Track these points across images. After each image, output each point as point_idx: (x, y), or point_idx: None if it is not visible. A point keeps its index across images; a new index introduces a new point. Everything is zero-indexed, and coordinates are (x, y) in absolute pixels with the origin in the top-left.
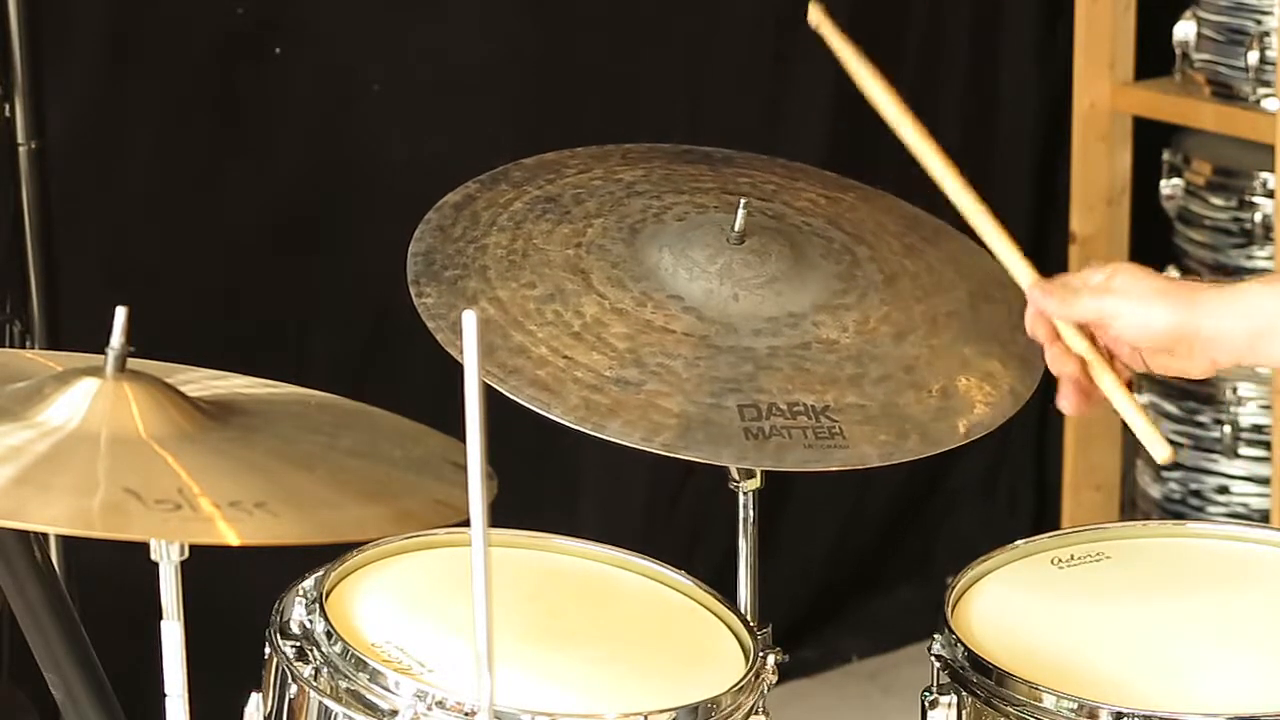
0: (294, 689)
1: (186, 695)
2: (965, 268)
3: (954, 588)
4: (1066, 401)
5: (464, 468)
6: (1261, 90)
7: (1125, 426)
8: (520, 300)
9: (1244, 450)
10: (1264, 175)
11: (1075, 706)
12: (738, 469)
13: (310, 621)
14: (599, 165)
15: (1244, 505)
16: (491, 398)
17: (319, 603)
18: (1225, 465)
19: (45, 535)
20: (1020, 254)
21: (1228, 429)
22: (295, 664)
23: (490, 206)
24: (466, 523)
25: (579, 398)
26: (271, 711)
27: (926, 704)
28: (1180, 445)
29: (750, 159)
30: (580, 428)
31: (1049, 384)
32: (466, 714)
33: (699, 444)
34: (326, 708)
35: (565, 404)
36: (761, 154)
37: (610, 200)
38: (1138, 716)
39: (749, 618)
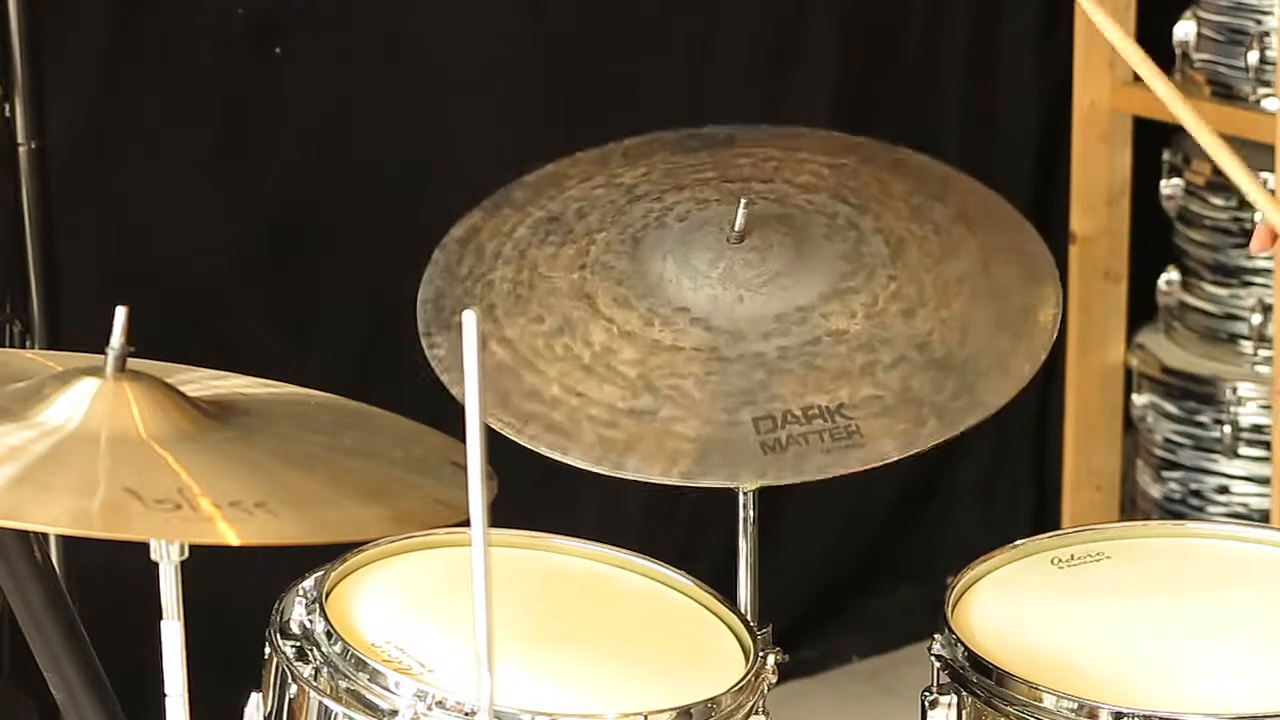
0: (294, 689)
1: (186, 695)
2: (976, 221)
3: (954, 588)
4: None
5: (464, 468)
6: (1261, 90)
7: (1125, 426)
8: (529, 337)
9: (1244, 450)
10: (1264, 175)
11: (1075, 706)
12: None
13: (310, 621)
14: (600, 171)
15: (1244, 505)
16: None
17: (319, 603)
18: (1225, 465)
19: (45, 535)
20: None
21: (1228, 429)
22: (295, 664)
23: (494, 236)
24: (466, 523)
25: (594, 435)
26: (271, 711)
27: (926, 704)
28: (1180, 445)
29: (750, 132)
30: (598, 469)
31: (1050, 381)
32: (466, 714)
33: (716, 468)
34: (326, 708)
35: (581, 445)
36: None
37: (612, 210)
38: (1137, 716)
39: (749, 618)
